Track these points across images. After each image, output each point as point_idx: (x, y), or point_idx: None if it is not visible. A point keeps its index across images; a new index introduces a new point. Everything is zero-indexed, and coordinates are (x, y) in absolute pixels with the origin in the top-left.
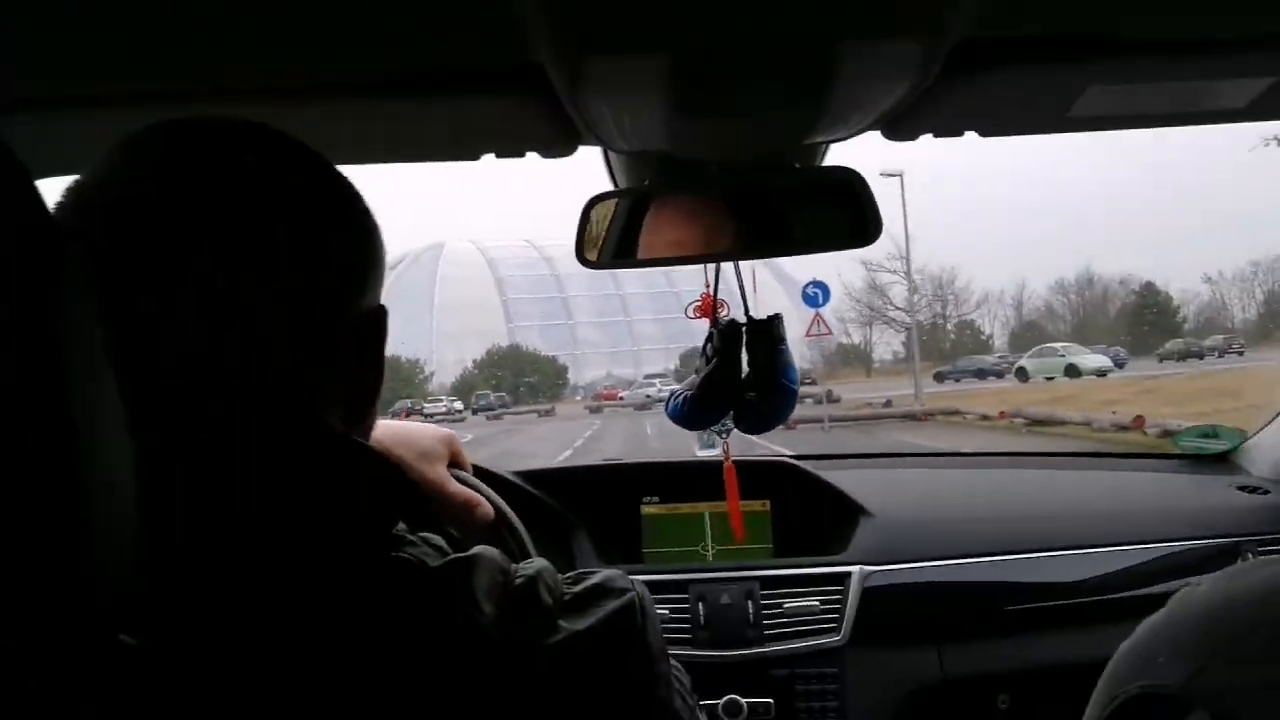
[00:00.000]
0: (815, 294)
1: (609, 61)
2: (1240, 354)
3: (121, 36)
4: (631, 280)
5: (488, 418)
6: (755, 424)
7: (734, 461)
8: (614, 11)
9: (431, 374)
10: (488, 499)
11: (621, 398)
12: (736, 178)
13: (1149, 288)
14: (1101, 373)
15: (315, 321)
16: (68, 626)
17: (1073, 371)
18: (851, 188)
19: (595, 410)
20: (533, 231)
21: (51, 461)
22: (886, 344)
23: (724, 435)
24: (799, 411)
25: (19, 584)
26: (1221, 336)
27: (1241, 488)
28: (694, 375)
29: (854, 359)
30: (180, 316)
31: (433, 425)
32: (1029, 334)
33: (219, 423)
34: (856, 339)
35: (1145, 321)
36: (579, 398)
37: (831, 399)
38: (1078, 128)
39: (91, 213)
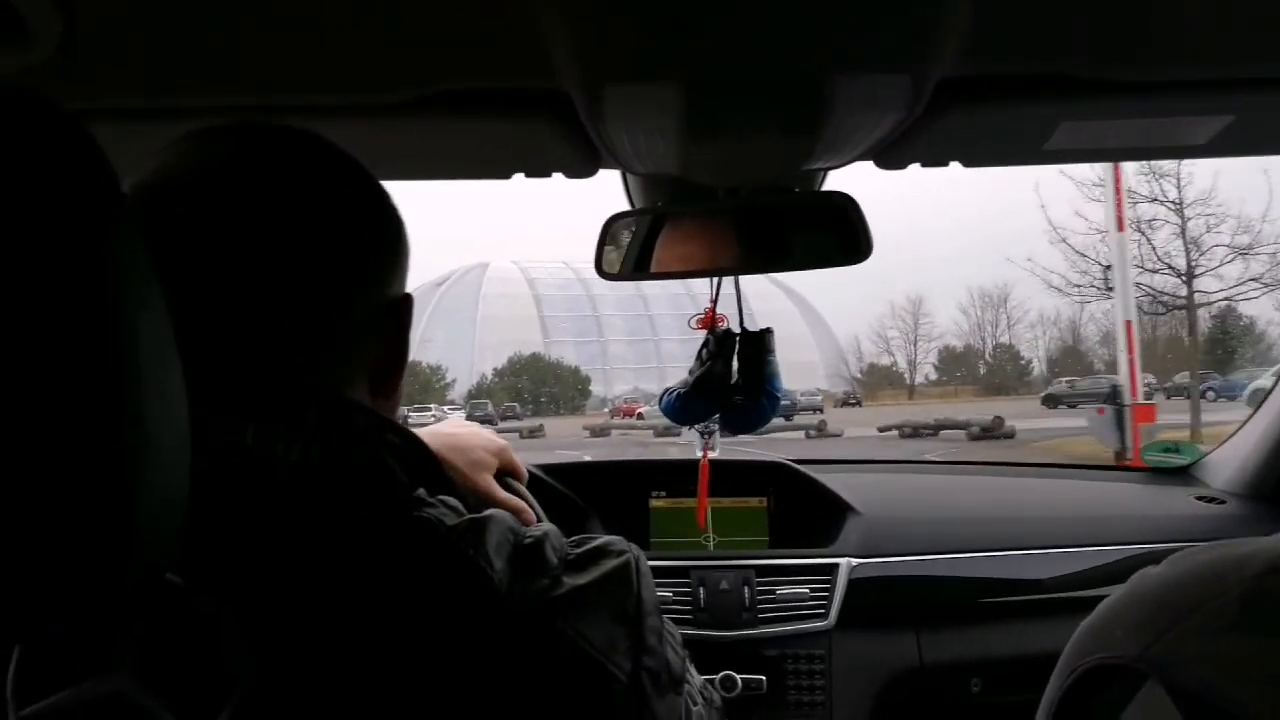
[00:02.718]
0: None
1: (625, 89)
2: None
3: (179, 56)
4: (659, 302)
5: None
6: (739, 425)
7: (732, 461)
8: (630, 44)
9: (453, 381)
10: (520, 495)
11: (641, 415)
12: (740, 200)
13: (1228, 310)
14: None
15: (346, 303)
16: (118, 563)
17: None
18: (846, 211)
19: (600, 433)
20: (569, 253)
21: (115, 422)
22: (921, 363)
23: (706, 436)
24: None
25: (78, 533)
26: None
27: (1200, 498)
28: (688, 375)
29: (891, 380)
30: (225, 298)
31: (487, 434)
32: (1069, 360)
33: (260, 392)
34: (901, 360)
35: (1223, 347)
36: (606, 410)
37: (1001, 432)
38: (1053, 160)
39: (149, 204)
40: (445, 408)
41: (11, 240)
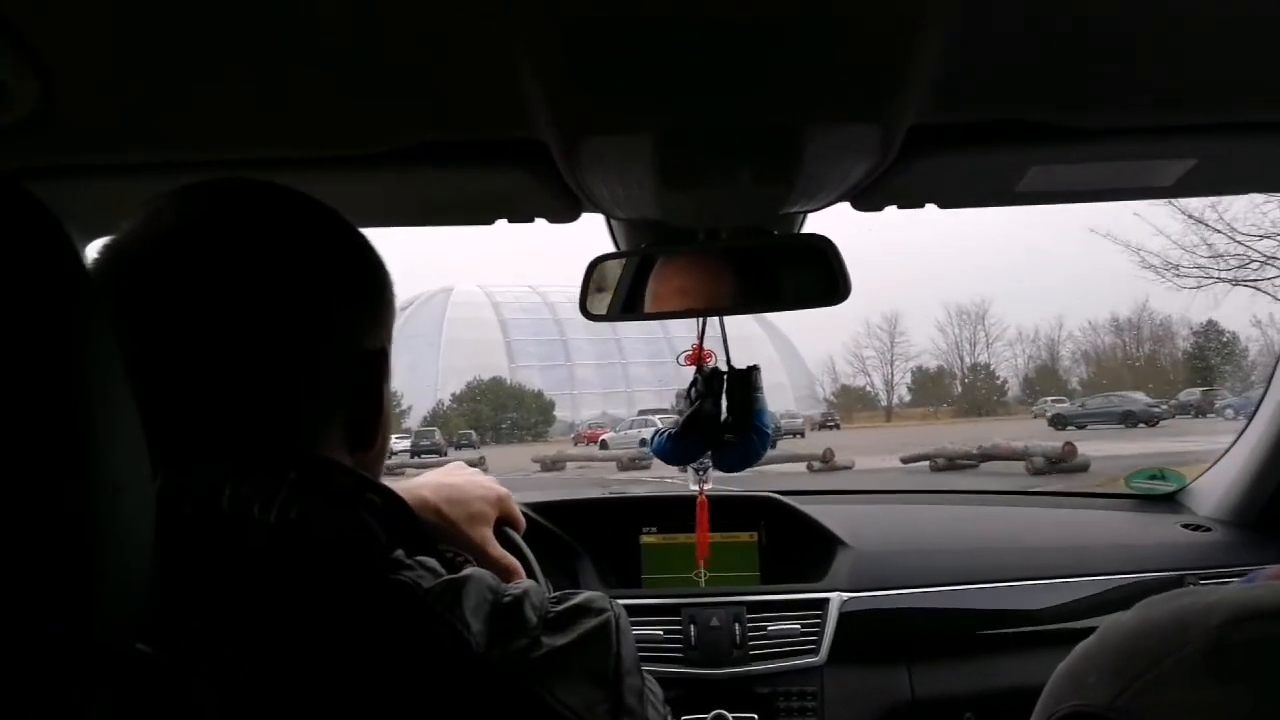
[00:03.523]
0: None
1: (601, 140)
2: None
3: (160, 112)
4: (628, 327)
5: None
6: (731, 463)
7: (722, 496)
8: (604, 97)
9: (409, 408)
10: (511, 543)
11: (604, 442)
12: (722, 243)
13: (1211, 327)
14: None
15: (316, 356)
16: (80, 635)
17: None
18: (825, 254)
19: (551, 467)
20: (535, 276)
21: (70, 486)
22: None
23: (702, 473)
24: None
25: (38, 599)
26: None
27: (1186, 525)
28: (677, 415)
29: (864, 402)
30: (198, 356)
31: (487, 482)
32: (1045, 379)
33: (236, 450)
34: (877, 381)
35: (1207, 367)
36: (571, 436)
37: (1073, 464)
38: (1026, 201)
39: (125, 264)
40: (393, 436)
41: None
